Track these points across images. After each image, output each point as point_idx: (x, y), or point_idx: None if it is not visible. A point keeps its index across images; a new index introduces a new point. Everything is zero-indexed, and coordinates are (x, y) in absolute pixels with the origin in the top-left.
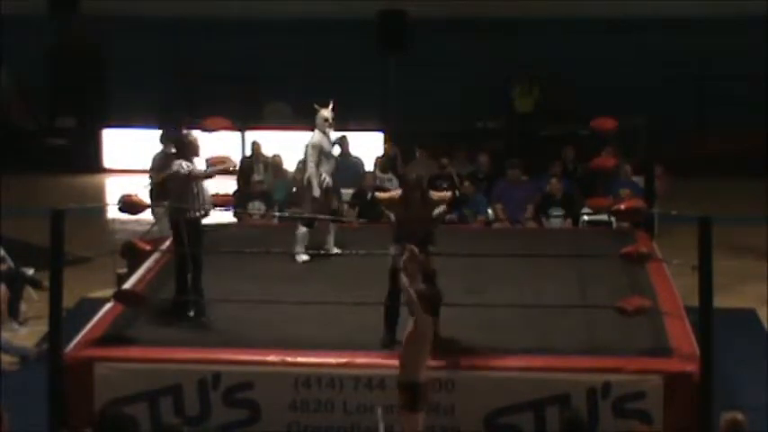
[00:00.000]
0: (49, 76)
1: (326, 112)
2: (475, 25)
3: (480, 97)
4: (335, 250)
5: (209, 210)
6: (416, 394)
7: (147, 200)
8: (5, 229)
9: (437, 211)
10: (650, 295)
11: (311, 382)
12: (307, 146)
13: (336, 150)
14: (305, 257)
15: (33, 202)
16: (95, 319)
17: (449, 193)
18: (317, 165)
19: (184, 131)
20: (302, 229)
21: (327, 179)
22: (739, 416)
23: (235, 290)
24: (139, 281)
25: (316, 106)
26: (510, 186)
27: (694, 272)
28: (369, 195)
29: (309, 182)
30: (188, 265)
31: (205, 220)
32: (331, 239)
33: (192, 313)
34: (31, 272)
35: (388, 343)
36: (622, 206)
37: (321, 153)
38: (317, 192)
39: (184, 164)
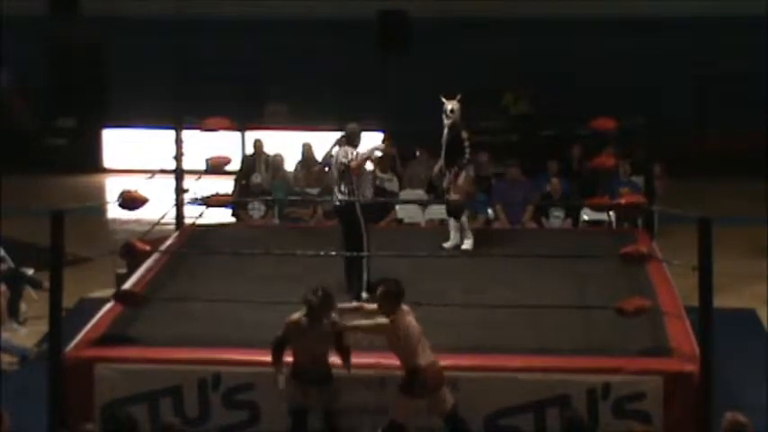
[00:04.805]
0: (49, 76)
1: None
2: (475, 25)
3: (480, 97)
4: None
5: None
6: (414, 379)
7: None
8: (5, 229)
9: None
10: (650, 295)
11: None
12: None
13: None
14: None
15: (33, 202)
16: (95, 319)
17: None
18: None
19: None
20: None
21: None
22: (741, 417)
23: (235, 290)
24: (139, 281)
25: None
26: (510, 186)
27: (694, 272)
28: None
29: None
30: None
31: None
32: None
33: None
34: (31, 272)
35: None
36: (622, 201)
37: None
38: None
39: (350, 151)
